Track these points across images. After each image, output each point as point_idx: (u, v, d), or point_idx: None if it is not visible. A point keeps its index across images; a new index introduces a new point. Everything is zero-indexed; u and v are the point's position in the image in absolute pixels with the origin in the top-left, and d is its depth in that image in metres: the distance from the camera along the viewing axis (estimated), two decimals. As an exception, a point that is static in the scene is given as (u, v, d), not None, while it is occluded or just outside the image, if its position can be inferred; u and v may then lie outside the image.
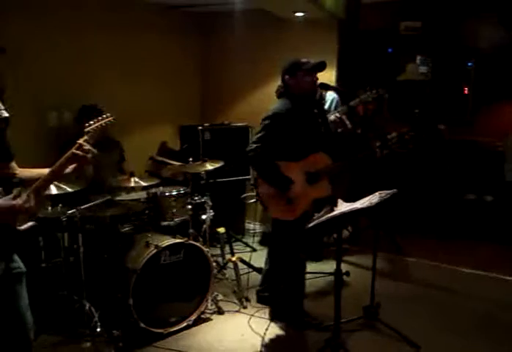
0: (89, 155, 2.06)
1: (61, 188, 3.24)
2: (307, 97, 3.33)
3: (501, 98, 5.35)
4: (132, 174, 3.66)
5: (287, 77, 3.29)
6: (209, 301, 3.53)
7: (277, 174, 3.19)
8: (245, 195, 4.15)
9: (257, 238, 5.13)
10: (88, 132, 2.11)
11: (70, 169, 2.10)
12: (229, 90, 5.74)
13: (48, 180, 2.06)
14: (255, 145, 3.19)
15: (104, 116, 2.17)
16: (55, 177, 2.11)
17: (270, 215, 3.38)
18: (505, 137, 5.22)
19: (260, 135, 3.23)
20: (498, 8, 5.11)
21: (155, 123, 5.32)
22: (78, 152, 2.04)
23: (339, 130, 4.01)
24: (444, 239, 5.26)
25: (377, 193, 2.69)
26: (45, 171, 2.07)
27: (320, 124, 3.39)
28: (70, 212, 3.24)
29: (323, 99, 4.25)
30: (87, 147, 2.06)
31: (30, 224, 2.02)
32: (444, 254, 4.86)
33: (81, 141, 2.06)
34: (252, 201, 3.74)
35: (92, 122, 2.13)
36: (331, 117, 3.86)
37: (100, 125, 2.14)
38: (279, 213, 3.28)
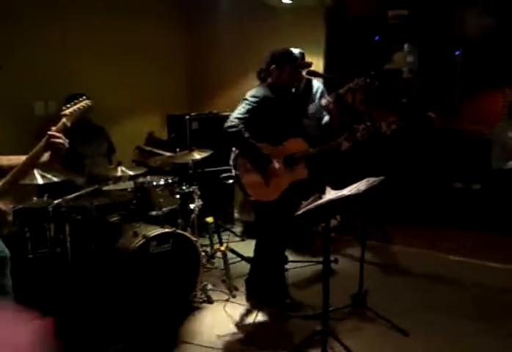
0: (62, 143, 2.06)
1: (46, 177, 3.20)
2: (284, 87, 3.38)
3: (488, 87, 5.37)
4: (119, 164, 3.63)
5: (273, 66, 3.29)
6: (198, 290, 3.53)
7: (256, 151, 3.17)
8: (224, 175, 4.09)
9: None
10: (65, 115, 2.09)
11: (46, 157, 2.10)
12: (216, 79, 5.70)
13: (23, 170, 2.06)
14: (236, 121, 3.11)
15: (80, 99, 2.16)
16: (30, 166, 2.11)
17: (250, 199, 3.38)
18: (493, 126, 5.24)
19: (242, 111, 3.15)
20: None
21: (143, 112, 5.28)
22: (50, 141, 2.04)
23: (326, 118, 4.02)
24: (432, 227, 5.29)
25: (364, 180, 2.69)
26: (23, 158, 2.07)
27: (297, 111, 3.49)
28: (56, 202, 3.21)
29: (310, 86, 4.24)
30: (58, 135, 2.06)
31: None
32: (432, 242, 4.89)
33: (52, 131, 2.06)
34: (230, 181, 3.75)
35: (68, 106, 2.12)
36: (323, 101, 3.86)
37: (78, 108, 2.13)
38: (258, 195, 3.28)
